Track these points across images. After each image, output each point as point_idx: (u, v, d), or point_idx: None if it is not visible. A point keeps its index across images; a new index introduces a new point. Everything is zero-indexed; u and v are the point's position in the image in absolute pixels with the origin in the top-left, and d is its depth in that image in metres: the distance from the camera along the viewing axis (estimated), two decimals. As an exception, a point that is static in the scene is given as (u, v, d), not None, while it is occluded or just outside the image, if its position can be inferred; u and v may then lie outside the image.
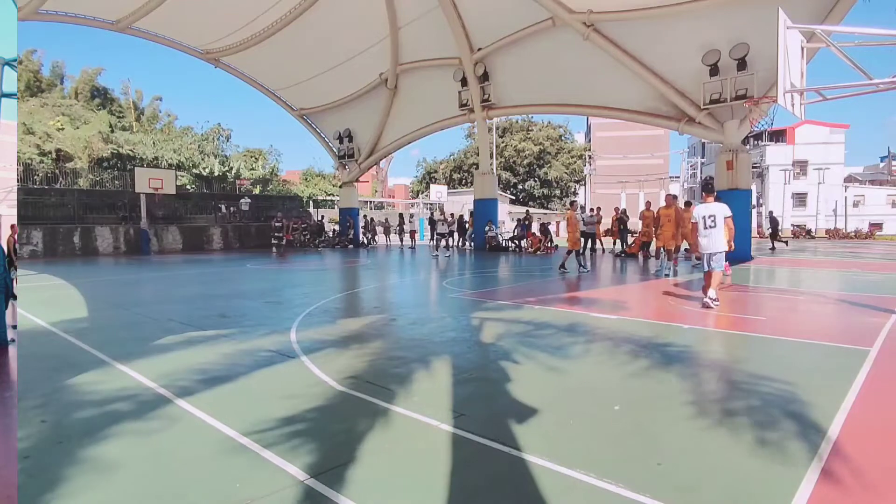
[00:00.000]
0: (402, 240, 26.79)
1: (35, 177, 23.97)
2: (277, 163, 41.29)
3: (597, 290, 9.44)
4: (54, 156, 27.58)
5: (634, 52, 16.48)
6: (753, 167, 42.75)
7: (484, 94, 20.57)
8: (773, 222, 21.82)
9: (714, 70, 14.87)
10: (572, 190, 58.29)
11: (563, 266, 12.36)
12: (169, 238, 23.30)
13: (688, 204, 12.92)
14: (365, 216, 29.03)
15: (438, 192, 35.01)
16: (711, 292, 7.05)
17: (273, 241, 20.56)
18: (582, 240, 19.27)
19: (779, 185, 49.42)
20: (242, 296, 8.75)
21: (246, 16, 20.47)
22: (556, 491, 2.34)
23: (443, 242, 19.70)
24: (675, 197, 12.43)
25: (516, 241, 21.67)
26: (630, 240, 18.65)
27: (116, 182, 25.65)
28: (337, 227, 28.41)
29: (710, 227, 7.14)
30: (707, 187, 7.70)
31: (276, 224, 20.63)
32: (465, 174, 53.38)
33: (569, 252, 12.46)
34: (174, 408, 3.40)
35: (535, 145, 54.33)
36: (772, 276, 12.07)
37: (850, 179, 54.15)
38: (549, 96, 19.98)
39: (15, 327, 5.96)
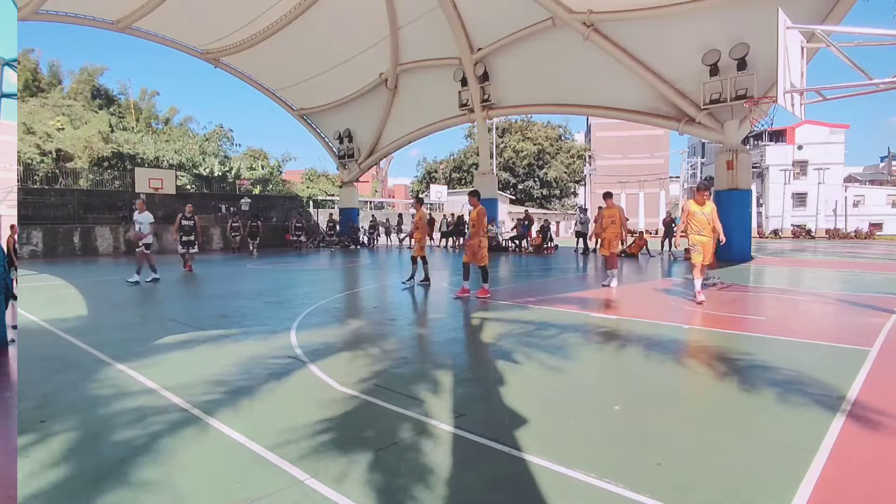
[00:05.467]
0: (400, 240, 26.85)
1: (35, 177, 23.94)
2: (280, 164, 41.20)
3: (596, 290, 9.44)
4: (54, 156, 27.56)
5: (634, 52, 16.49)
6: (753, 167, 42.80)
7: (484, 94, 20.59)
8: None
9: (714, 70, 14.88)
10: (571, 190, 58.27)
11: (425, 279, 9.94)
12: (169, 238, 23.26)
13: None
14: (373, 216, 29.16)
15: (438, 192, 35.04)
16: None
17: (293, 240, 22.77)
18: (579, 240, 19.50)
19: (779, 185, 49.46)
20: (242, 296, 8.75)
21: (246, 15, 20.47)
22: (556, 491, 2.34)
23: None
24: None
25: (517, 241, 21.71)
26: (630, 240, 18.67)
27: (116, 182, 25.64)
28: (337, 227, 28.47)
29: None
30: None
31: (297, 225, 22.92)
32: (465, 174, 53.35)
33: (414, 259, 9.99)
34: (174, 407, 3.40)
35: (535, 145, 54.31)
36: (772, 275, 12.07)
37: (850, 179, 54.19)
38: (549, 96, 19.99)
39: (15, 327, 5.96)
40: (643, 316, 6.85)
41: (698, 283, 7.67)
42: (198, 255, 12.98)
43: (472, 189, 9.11)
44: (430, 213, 31.11)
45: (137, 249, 10.55)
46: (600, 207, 9.80)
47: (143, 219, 10.56)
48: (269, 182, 36.43)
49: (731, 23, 14.22)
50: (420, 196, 11.15)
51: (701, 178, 55.90)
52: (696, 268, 7.71)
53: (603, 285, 9.57)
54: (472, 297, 8.29)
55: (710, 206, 7.75)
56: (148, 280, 10.34)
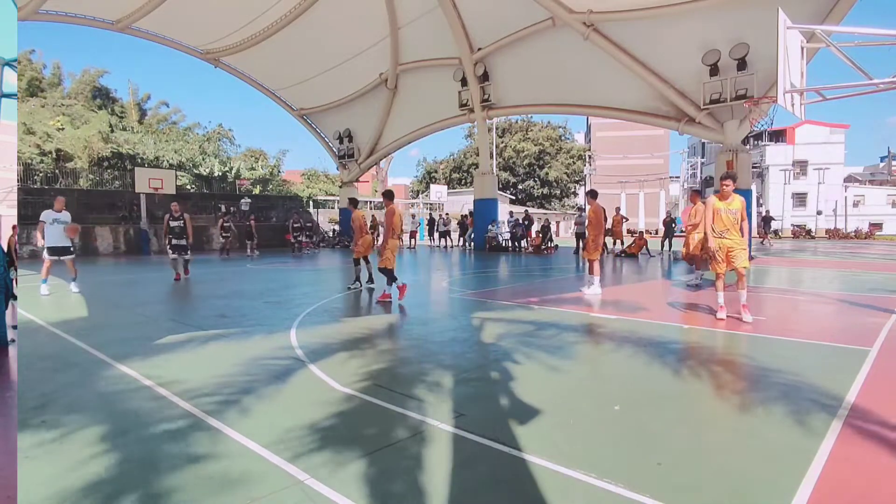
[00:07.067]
0: (401, 240, 26.92)
1: (35, 177, 23.95)
2: (278, 162, 41.25)
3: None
4: (54, 156, 27.56)
5: (634, 52, 16.49)
6: (753, 167, 42.81)
7: (484, 94, 20.60)
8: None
9: (714, 70, 14.88)
10: (572, 190, 58.27)
11: (355, 280, 9.93)
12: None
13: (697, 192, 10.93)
14: (374, 216, 29.15)
15: (438, 192, 35.02)
16: None
17: (292, 241, 22.67)
18: (579, 240, 19.48)
19: (779, 185, 49.45)
20: (242, 296, 8.75)
21: (246, 16, 20.48)
22: (556, 491, 2.34)
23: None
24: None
25: (516, 241, 21.72)
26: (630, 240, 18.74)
27: (116, 182, 25.64)
28: (337, 227, 28.56)
29: None
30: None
31: (296, 225, 22.83)
32: (465, 174, 53.34)
33: (356, 261, 9.82)
34: (174, 407, 3.40)
35: (535, 145, 54.32)
36: (772, 275, 12.06)
37: (850, 179, 54.18)
38: (549, 96, 19.99)
39: (15, 327, 5.95)
40: (643, 316, 6.84)
41: (721, 296, 6.50)
42: (193, 259, 11.96)
43: (385, 190, 8.93)
44: (430, 213, 31.15)
45: (48, 258, 9.22)
46: None
47: (65, 218, 9.52)
48: (269, 182, 36.45)
49: (731, 23, 14.22)
50: (354, 198, 10.96)
51: (701, 178, 55.95)
52: (719, 279, 6.50)
53: (580, 290, 8.99)
54: (394, 300, 7.93)
55: (738, 202, 6.38)
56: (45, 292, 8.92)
